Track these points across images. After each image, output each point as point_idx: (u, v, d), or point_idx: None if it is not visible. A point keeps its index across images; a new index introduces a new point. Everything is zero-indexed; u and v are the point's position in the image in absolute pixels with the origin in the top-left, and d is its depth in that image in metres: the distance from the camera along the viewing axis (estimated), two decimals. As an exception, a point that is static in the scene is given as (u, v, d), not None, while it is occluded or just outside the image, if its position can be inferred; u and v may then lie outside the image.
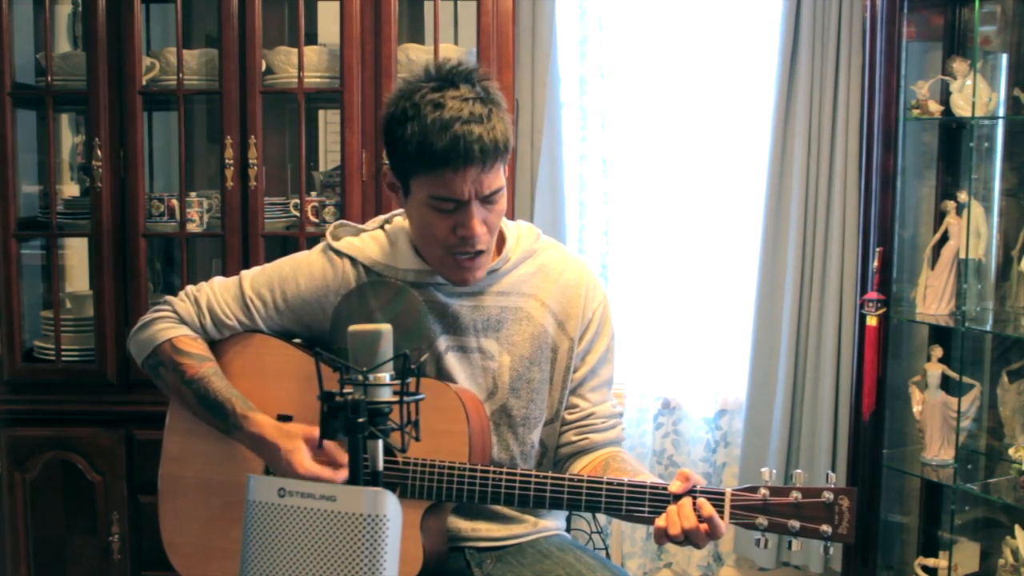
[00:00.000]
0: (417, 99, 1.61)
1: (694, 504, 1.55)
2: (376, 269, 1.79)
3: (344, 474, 1.63)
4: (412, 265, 1.77)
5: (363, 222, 1.91)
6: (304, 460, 1.65)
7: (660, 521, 1.55)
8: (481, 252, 1.68)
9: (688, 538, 1.54)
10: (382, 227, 1.85)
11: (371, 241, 1.82)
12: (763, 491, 1.55)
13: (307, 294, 1.80)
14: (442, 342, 1.78)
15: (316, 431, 1.63)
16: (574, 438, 1.84)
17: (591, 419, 1.84)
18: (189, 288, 1.85)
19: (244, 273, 1.85)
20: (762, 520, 1.54)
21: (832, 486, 1.54)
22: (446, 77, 1.64)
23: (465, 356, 1.78)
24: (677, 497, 1.56)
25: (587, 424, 1.84)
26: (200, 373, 1.76)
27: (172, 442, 1.84)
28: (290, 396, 1.75)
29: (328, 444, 1.66)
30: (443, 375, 1.77)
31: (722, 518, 1.55)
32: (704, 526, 1.53)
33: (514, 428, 1.80)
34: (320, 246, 1.85)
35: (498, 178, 1.65)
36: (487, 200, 1.65)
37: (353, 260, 1.80)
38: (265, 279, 1.82)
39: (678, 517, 1.54)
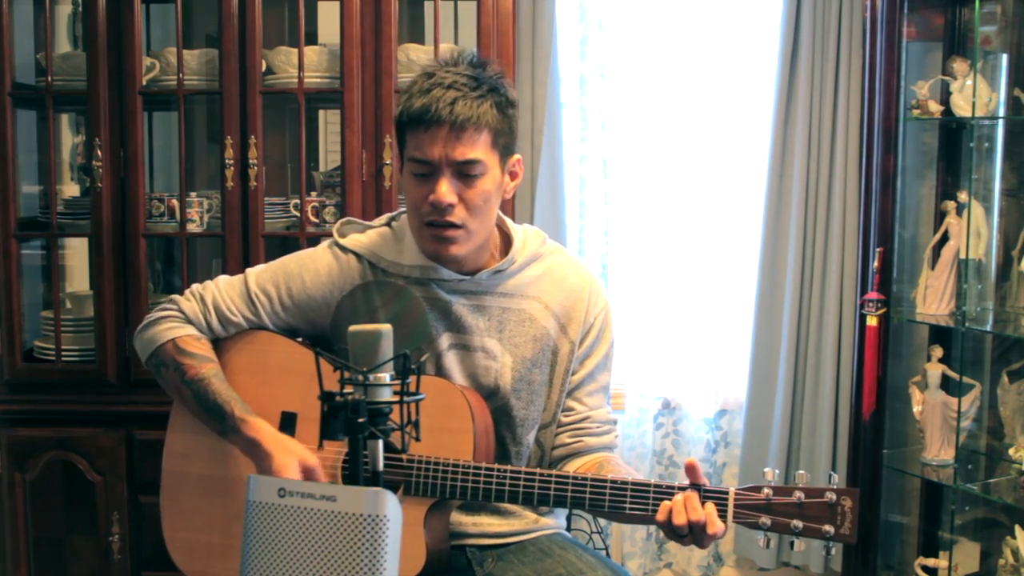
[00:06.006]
0: (419, 73, 1.71)
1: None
2: (381, 265, 1.79)
3: None
4: (417, 261, 1.77)
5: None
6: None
7: (663, 513, 1.55)
8: (454, 226, 1.68)
9: (692, 531, 1.54)
10: (388, 224, 1.85)
11: (377, 237, 1.82)
12: (766, 491, 1.55)
13: (313, 290, 1.81)
14: (444, 340, 1.78)
15: (312, 458, 1.64)
16: (568, 440, 1.85)
17: (586, 423, 1.85)
18: (195, 286, 1.85)
19: (249, 270, 1.86)
20: (765, 520, 1.55)
21: (835, 487, 1.54)
22: (455, 60, 1.70)
23: (468, 355, 1.78)
24: (683, 488, 1.56)
25: (582, 427, 1.85)
26: (200, 374, 1.76)
27: (175, 439, 1.84)
28: (294, 393, 1.75)
29: (317, 472, 1.66)
30: (443, 373, 1.77)
31: (725, 518, 1.55)
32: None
33: (512, 428, 1.81)
34: (326, 243, 1.85)
35: (473, 150, 1.65)
36: (462, 173, 1.66)
37: (359, 256, 1.81)
38: (271, 275, 1.83)
39: (684, 508, 1.54)
